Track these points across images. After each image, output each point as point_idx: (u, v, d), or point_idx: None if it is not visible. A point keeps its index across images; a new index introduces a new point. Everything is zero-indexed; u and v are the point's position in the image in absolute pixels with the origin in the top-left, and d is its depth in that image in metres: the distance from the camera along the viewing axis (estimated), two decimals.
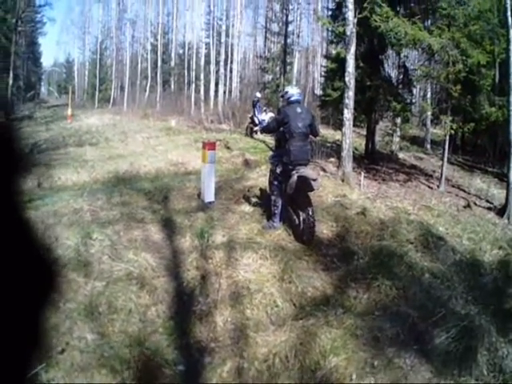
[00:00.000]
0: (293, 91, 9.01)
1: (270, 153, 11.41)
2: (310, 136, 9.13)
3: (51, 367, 4.50)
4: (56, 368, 4.54)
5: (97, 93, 56.58)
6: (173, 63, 52.99)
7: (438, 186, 15.16)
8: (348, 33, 14.55)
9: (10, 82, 39.20)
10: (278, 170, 8.74)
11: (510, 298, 6.95)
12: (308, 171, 8.42)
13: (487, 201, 14.15)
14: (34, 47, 72.36)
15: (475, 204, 13.55)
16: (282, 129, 8.67)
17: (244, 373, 4.93)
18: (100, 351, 4.99)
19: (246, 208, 9.91)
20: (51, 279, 1.34)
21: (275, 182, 8.86)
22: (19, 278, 1.22)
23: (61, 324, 5.31)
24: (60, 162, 15.46)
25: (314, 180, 8.26)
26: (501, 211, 12.77)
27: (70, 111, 33.65)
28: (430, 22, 16.85)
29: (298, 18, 43.42)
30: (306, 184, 8.21)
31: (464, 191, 15.41)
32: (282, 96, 9.61)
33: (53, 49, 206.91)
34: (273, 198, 8.87)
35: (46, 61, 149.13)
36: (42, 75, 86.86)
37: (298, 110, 8.64)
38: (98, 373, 4.66)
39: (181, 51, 56.28)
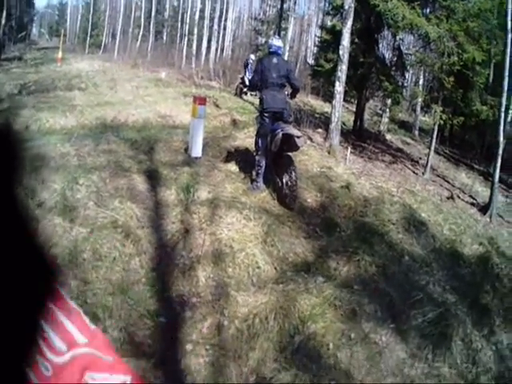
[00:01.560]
0: (274, 42, 9.02)
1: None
2: (289, 91, 9.24)
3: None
4: None
5: (88, 38, 55.86)
6: (167, 14, 52.58)
7: (423, 173, 15.22)
8: (346, 6, 14.43)
9: (3, 21, 38.45)
10: (262, 129, 8.79)
11: (487, 293, 7.09)
12: (292, 129, 8.49)
13: (471, 196, 14.26)
14: None
15: (458, 197, 13.65)
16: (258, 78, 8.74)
17: (224, 330, 5.01)
18: (83, 297, 5.04)
19: (232, 167, 9.92)
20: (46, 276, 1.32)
21: (259, 140, 8.86)
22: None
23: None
24: (48, 105, 15.24)
25: (298, 138, 8.31)
26: (483, 209, 12.89)
27: (60, 54, 33.08)
28: (428, 10, 16.77)
29: None
30: (290, 141, 8.28)
31: (448, 183, 15.50)
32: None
33: None
34: (257, 158, 8.90)
35: (39, 1, 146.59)
36: (34, 16, 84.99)
37: (275, 60, 8.68)
38: None
39: (175, 3, 55.70)
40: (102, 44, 53.12)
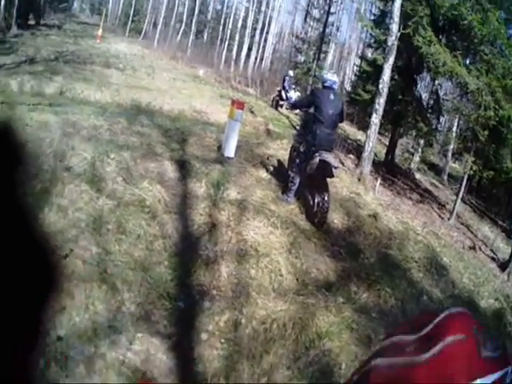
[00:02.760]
0: (330, 77, 8.95)
1: (293, 130, 11.30)
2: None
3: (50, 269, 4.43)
4: (56, 271, 4.46)
5: (129, 22, 56.00)
6: (209, 16, 52.84)
7: (449, 219, 15.22)
8: (389, 43, 14.63)
9: None
10: (302, 149, 8.70)
11: None
12: (331, 158, 8.39)
13: (491, 250, 14.24)
14: None
15: (480, 249, 13.62)
16: (312, 111, 8.65)
17: (241, 328, 4.95)
18: (104, 266, 5.01)
19: (263, 174, 9.87)
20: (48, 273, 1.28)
21: (296, 160, 8.81)
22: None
23: (67, 230, 5.27)
24: (84, 77, 15.41)
25: (335, 168, 8.31)
26: (503, 265, 12.87)
27: (100, 31, 33.46)
28: (469, 61, 16.81)
29: (340, 12, 43.50)
30: (326, 169, 8.21)
31: (472, 233, 15.49)
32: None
33: None
34: (291, 174, 8.83)
35: None
36: None
37: (331, 96, 8.60)
38: (98, 287, 4.66)
39: (219, 7, 56.18)
40: (143, 31, 53.23)
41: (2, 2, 27.10)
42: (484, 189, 26.55)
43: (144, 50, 34.58)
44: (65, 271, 4.55)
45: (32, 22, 35.17)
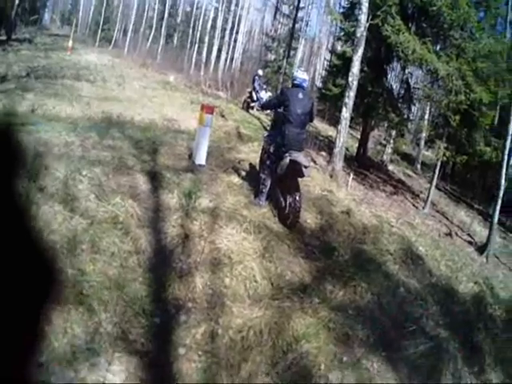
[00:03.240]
0: (299, 75, 8.92)
1: (264, 131, 11.35)
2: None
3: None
4: None
5: (99, 31, 55.92)
6: (179, 19, 52.98)
7: (423, 207, 15.33)
8: (358, 35, 14.60)
9: (16, 1, 38.61)
10: (272, 150, 8.71)
11: (480, 332, 7.10)
12: (301, 157, 8.40)
13: (469, 234, 14.34)
14: None
15: (457, 234, 13.75)
16: (281, 110, 8.66)
17: (217, 338, 4.99)
18: (79, 287, 5.01)
19: (235, 179, 9.91)
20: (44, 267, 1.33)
21: (267, 162, 8.83)
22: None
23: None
24: (55, 92, 15.29)
25: (306, 167, 8.28)
26: (480, 248, 12.96)
27: (70, 43, 33.41)
28: (439, 47, 16.92)
29: (309, 7, 43.49)
30: (297, 169, 8.23)
31: (447, 219, 15.59)
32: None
33: None
34: (262, 176, 8.87)
35: None
36: (47, 1, 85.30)
37: (300, 95, 8.58)
38: (75, 309, 4.66)
39: (188, 9, 56.25)
40: (113, 39, 53.34)
41: None
42: (458, 174, 26.79)
43: (114, 59, 34.45)
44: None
45: (3, 38, 35.01)
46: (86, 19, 67.42)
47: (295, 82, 8.85)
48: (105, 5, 58.30)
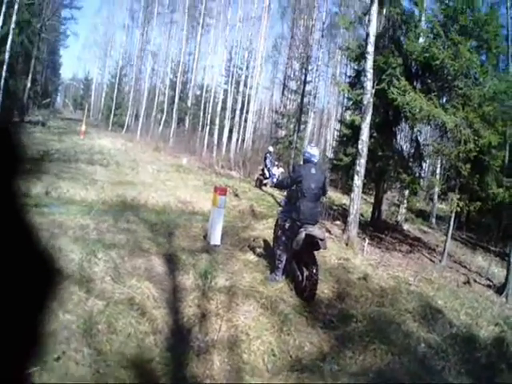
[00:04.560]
0: (311, 151, 9.12)
1: (278, 207, 11.48)
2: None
3: (45, 371, 4.49)
4: (50, 374, 4.54)
5: (112, 116, 56.97)
6: (189, 103, 53.41)
7: (440, 261, 15.17)
8: (365, 102, 14.75)
9: (28, 84, 39.76)
10: (287, 226, 8.82)
11: (503, 373, 6.98)
12: (316, 230, 8.49)
13: (487, 278, 14.17)
14: (55, 57, 73.43)
15: (475, 281, 13.56)
16: (294, 187, 8.79)
17: None
18: (96, 366, 5.03)
19: (251, 257, 10.00)
20: (51, 284, 1.41)
21: (282, 238, 8.93)
22: (20, 280, 1.29)
23: (59, 332, 5.35)
24: (70, 176, 15.59)
25: (322, 240, 8.36)
26: (500, 289, 12.77)
27: (83, 127, 34.17)
28: (445, 99, 17.01)
29: (316, 80, 43.80)
30: (313, 243, 8.31)
31: (465, 267, 15.43)
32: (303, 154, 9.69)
33: (73, 63, 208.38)
34: (278, 252, 8.94)
35: (65, 73, 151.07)
36: (59, 86, 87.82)
37: (313, 170, 8.77)
38: None
39: (198, 92, 56.86)
40: (125, 123, 54.06)
41: None
42: (473, 221, 26.58)
43: (127, 143, 35.00)
44: (57, 372, 4.64)
45: (16, 119, 35.72)
46: (98, 104, 68.70)
47: (305, 157, 9.07)
48: (116, 90, 59.39)
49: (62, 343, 5.16)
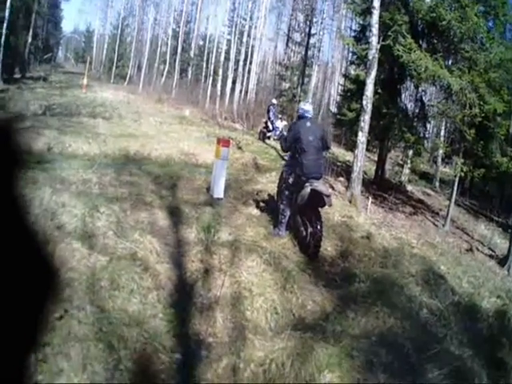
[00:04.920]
0: (304, 107, 9.16)
1: (280, 161, 11.40)
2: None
3: (47, 331, 4.45)
4: (52, 333, 4.49)
5: (114, 68, 56.50)
6: (192, 53, 52.99)
7: (443, 225, 15.19)
8: (370, 57, 14.64)
9: (29, 40, 39.42)
10: (291, 181, 8.76)
11: (504, 347, 6.96)
12: (322, 186, 8.44)
13: (489, 248, 14.18)
14: (56, 11, 71.97)
15: (477, 249, 13.58)
16: (294, 145, 8.73)
17: (239, 372, 4.93)
18: (99, 325, 4.99)
19: (254, 211, 9.95)
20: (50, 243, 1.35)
21: (286, 192, 8.88)
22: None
23: (61, 290, 5.29)
24: (72, 130, 15.46)
25: (327, 196, 8.29)
26: (502, 261, 12.80)
27: (85, 81, 33.84)
28: (450, 61, 16.85)
29: (321, 33, 43.48)
30: (318, 198, 8.23)
31: (467, 234, 15.44)
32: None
33: (74, 16, 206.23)
34: (281, 207, 8.90)
35: (67, 26, 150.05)
36: (60, 40, 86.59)
37: (308, 124, 8.79)
38: (94, 346, 4.63)
39: (201, 43, 56.47)
40: (128, 75, 53.63)
41: None
42: (476, 188, 26.61)
43: (129, 95, 34.73)
44: (59, 332, 4.60)
45: (18, 76, 35.51)
46: (100, 56, 67.81)
47: (300, 113, 9.14)
48: (118, 42, 58.78)
49: (64, 301, 5.10)
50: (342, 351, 5.44)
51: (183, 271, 6.75)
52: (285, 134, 10.25)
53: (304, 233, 8.48)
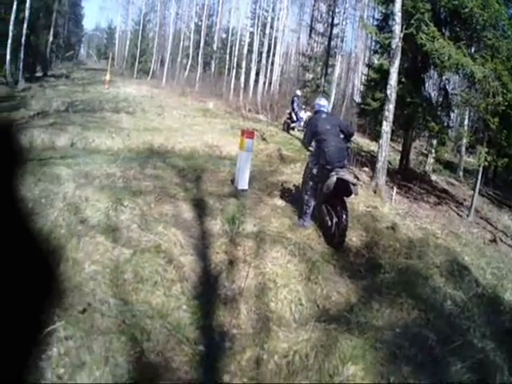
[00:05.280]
0: (320, 102, 9.30)
1: (305, 151, 11.42)
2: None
3: (71, 325, 4.50)
4: (75, 327, 4.54)
5: (136, 63, 56.47)
6: (215, 46, 53.04)
7: (467, 215, 15.05)
8: (393, 46, 14.51)
9: (50, 38, 39.72)
10: (315, 171, 8.74)
11: None
12: (348, 175, 8.42)
13: None
14: (77, 9, 72.95)
15: (501, 240, 13.42)
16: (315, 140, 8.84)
17: (263, 364, 4.93)
18: (122, 317, 5.03)
19: (279, 202, 9.97)
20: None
21: (310, 183, 8.86)
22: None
23: (84, 284, 5.36)
24: (95, 125, 15.56)
25: (354, 185, 8.27)
26: None
27: (108, 76, 33.95)
28: (473, 49, 16.69)
29: (344, 23, 43.00)
30: (344, 187, 8.21)
31: (491, 225, 15.27)
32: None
33: (95, 13, 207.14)
34: (306, 197, 8.89)
35: (88, 24, 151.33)
36: (82, 37, 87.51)
37: (324, 116, 8.94)
38: (117, 339, 4.66)
39: (224, 36, 56.49)
40: (151, 70, 53.71)
41: (8, 57, 27.74)
42: (500, 178, 26.33)
43: (153, 89, 34.78)
44: (82, 325, 4.65)
45: (39, 74, 35.85)
46: (123, 52, 67.93)
47: (315, 108, 9.35)
48: (140, 37, 58.88)
49: (87, 295, 5.18)
50: (365, 343, 5.41)
51: (207, 263, 6.76)
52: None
53: (329, 223, 8.46)
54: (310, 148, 9.30)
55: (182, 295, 5.86)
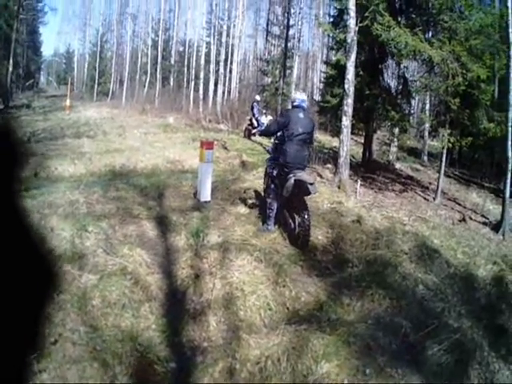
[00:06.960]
0: (300, 96, 9.10)
1: (267, 155, 11.41)
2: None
3: (43, 357, 4.45)
4: (48, 359, 4.51)
5: (96, 85, 56.61)
6: (173, 60, 53.18)
7: (434, 199, 15.14)
8: (349, 40, 14.57)
9: (10, 69, 39.40)
10: (275, 173, 8.76)
11: (503, 313, 6.95)
12: (305, 175, 8.40)
13: (482, 215, 14.08)
14: (35, 36, 72.22)
15: (470, 218, 13.49)
16: (281, 132, 8.72)
17: (236, 374, 4.91)
18: (92, 344, 4.97)
19: (242, 209, 9.94)
20: (46, 269, 1.34)
21: (271, 185, 8.87)
22: (15, 268, 1.26)
23: (54, 315, 5.28)
24: (57, 153, 15.46)
25: (311, 184, 8.25)
26: (496, 227, 12.68)
27: (68, 102, 33.91)
28: (430, 34, 16.79)
29: (300, 23, 43.24)
30: (302, 188, 8.20)
31: (460, 205, 15.37)
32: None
33: (53, 38, 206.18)
34: (268, 201, 8.88)
35: (46, 50, 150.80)
36: (41, 64, 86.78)
37: (301, 115, 8.67)
38: (89, 366, 4.63)
39: (181, 49, 56.61)
40: (110, 91, 53.89)
41: None
42: (465, 157, 26.58)
43: (113, 110, 34.86)
44: (55, 356, 4.61)
45: (1, 106, 35.50)
46: (82, 76, 68.00)
47: (295, 103, 8.98)
48: (98, 59, 58.89)
49: (58, 325, 5.12)
50: (338, 339, 5.42)
51: (174, 279, 6.72)
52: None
53: (292, 225, 8.47)
54: (257, 133, 9.21)
55: (151, 315, 5.81)
